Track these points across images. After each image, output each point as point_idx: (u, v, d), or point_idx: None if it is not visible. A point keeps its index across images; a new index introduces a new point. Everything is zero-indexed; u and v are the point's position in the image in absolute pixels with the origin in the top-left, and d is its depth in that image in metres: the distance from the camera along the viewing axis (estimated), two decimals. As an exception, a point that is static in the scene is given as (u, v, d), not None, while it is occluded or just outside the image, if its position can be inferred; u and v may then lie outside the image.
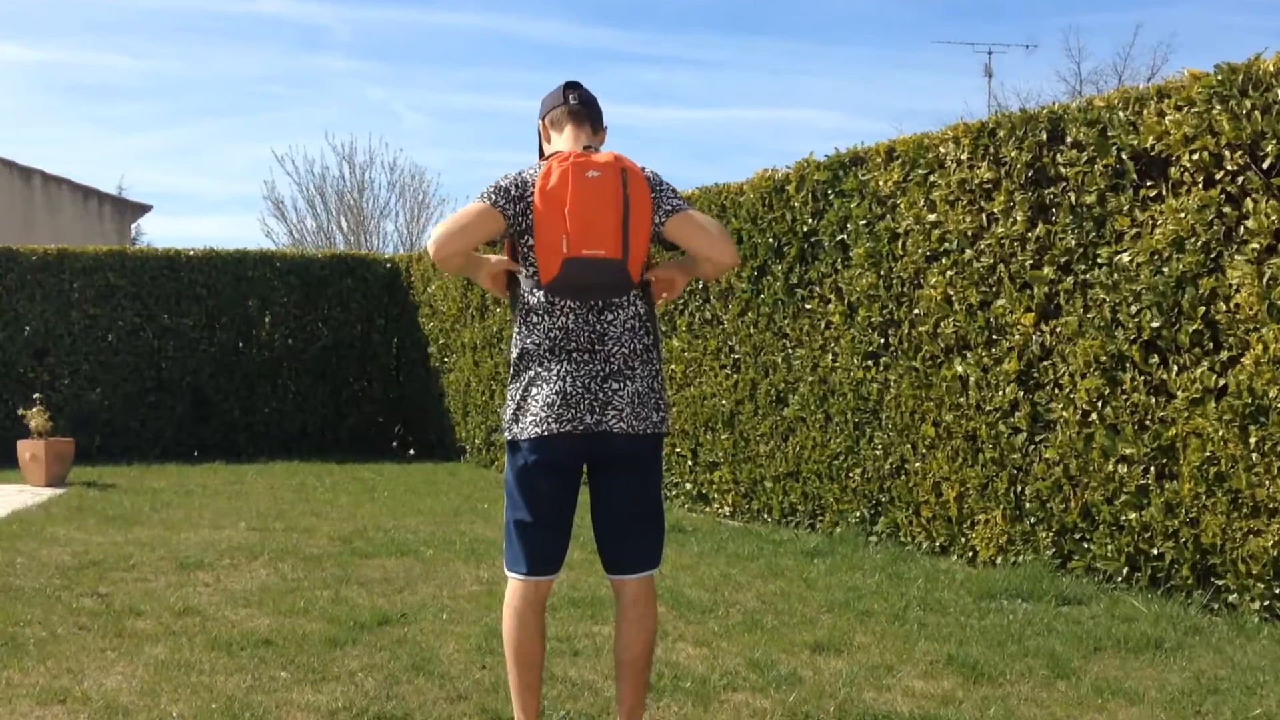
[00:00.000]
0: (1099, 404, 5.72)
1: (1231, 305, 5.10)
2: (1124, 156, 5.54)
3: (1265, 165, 4.97)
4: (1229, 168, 5.10)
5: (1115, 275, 5.58)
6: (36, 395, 11.91)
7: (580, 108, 3.30)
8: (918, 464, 6.86)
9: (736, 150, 44.19)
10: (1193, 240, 5.22)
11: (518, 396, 3.19)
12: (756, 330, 8.19)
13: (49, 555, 6.68)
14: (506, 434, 3.22)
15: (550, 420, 3.14)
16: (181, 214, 43.58)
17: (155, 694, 4.00)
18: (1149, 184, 5.45)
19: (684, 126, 44.07)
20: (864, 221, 7.16)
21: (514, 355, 3.24)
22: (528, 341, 3.19)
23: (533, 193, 3.13)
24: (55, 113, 44.37)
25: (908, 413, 6.91)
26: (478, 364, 12.35)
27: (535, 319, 3.18)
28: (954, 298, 6.54)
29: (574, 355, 3.16)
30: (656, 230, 3.18)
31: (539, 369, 3.16)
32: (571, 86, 3.33)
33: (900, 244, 6.92)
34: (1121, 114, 5.53)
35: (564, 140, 3.28)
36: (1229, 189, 5.11)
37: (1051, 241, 5.97)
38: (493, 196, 3.15)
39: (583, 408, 3.14)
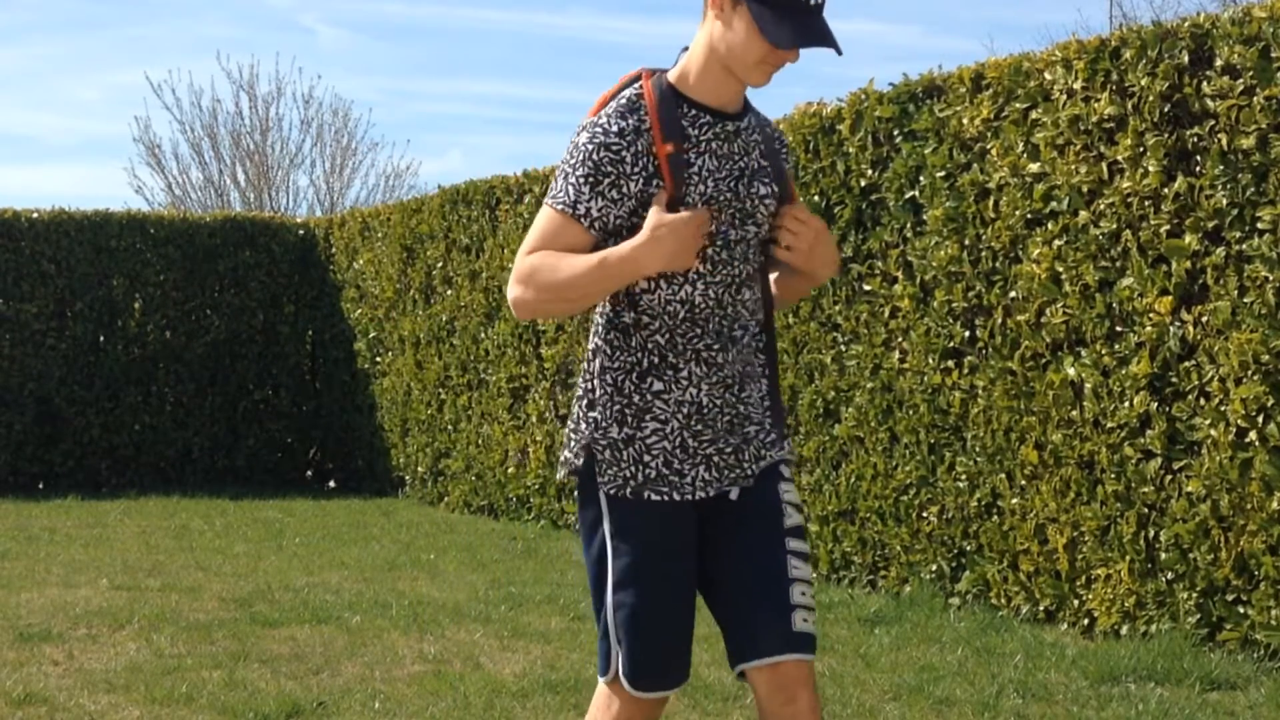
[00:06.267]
0: (1260, 419, 5.72)
1: None
2: (1293, 85, 5.55)
3: None
4: None
5: (1281, 246, 5.59)
6: None
7: None
8: (1015, 500, 6.86)
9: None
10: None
11: None
12: (796, 320, 8.19)
13: None
14: None
15: None
16: (17, 162, 43.52)
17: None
18: (1327, 123, 5.46)
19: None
20: (942, 173, 7.17)
21: None
22: None
23: None
24: None
25: (1001, 431, 6.91)
26: (421, 365, 12.34)
27: None
28: (1064, 276, 6.55)
29: None
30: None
31: None
32: None
33: (992, 203, 6.93)
34: (1290, 28, 5.54)
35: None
36: None
37: (1196, 200, 5.97)
38: None
39: None
